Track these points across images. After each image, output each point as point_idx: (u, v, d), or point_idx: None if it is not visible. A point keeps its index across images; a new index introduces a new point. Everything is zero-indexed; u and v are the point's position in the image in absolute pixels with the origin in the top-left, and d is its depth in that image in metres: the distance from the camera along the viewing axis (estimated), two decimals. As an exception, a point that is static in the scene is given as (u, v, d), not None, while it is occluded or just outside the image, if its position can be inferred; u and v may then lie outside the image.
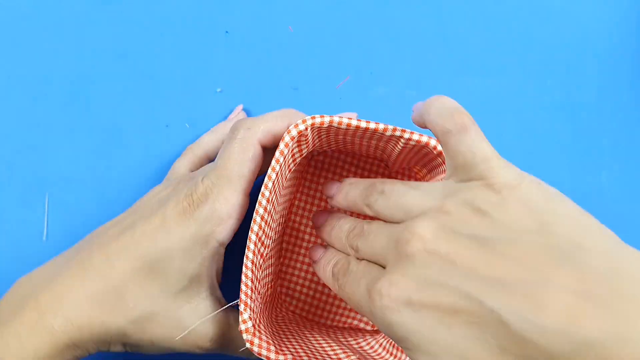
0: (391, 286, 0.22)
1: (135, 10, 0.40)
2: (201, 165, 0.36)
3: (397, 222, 0.25)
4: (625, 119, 0.38)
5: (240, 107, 0.39)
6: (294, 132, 0.28)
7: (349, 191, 0.29)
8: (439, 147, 0.30)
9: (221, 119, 0.39)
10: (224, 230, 0.30)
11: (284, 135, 0.28)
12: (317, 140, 0.31)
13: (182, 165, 0.36)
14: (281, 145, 0.28)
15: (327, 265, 0.29)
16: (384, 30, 0.39)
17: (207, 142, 0.37)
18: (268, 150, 0.31)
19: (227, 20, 0.39)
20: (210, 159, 0.37)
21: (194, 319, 0.30)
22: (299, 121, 0.28)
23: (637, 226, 0.38)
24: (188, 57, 0.39)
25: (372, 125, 0.29)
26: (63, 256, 0.32)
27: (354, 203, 0.28)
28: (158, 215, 0.30)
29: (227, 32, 0.39)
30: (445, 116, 0.25)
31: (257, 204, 0.28)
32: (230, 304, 0.31)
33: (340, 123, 0.29)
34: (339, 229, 0.29)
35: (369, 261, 0.25)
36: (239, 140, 0.30)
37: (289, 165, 0.31)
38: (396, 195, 0.25)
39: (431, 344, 0.21)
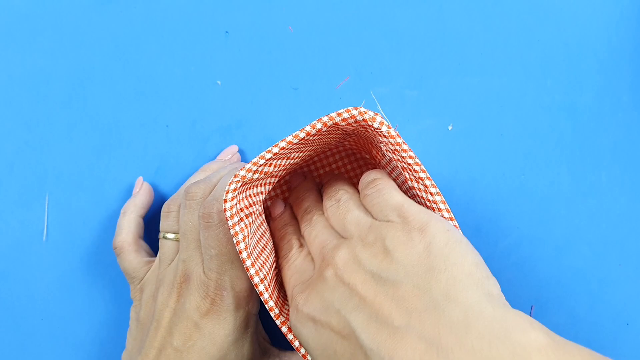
0: (306, 303, 0.26)
1: (135, 10, 0.40)
2: (144, 244, 0.37)
3: (333, 228, 0.30)
4: (625, 119, 0.38)
5: (235, 148, 0.38)
6: (228, 208, 0.28)
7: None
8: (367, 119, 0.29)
9: (221, 118, 0.39)
10: (254, 303, 0.32)
11: (225, 210, 0.28)
12: (273, 171, 0.32)
13: (134, 261, 0.35)
14: (229, 223, 0.28)
15: (281, 230, 0.33)
16: (384, 30, 0.39)
17: (129, 226, 0.36)
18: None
19: (227, 20, 0.39)
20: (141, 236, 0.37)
21: None
22: (223, 195, 0.28)
23: (638, 226, 0.38)
24: (188, 57, 0.39)
25: (301, 134, 0.28)
26: None
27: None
28: (190, 329, 0.31)
29: (227, 32, 0.39)
30: (365, 184, 0.30)
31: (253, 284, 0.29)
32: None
33: (263, 157, 0.28)
34: (302, 201, 0.34)
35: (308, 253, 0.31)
36: (216, 226, 0.30)
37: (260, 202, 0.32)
38: (344, 209, 0.30)
39: (321, 355, 0.25)
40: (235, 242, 0.28)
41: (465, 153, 0.39)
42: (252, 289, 0.31)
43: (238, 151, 0.38)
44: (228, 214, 0.28)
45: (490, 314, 0.22)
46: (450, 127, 0.39)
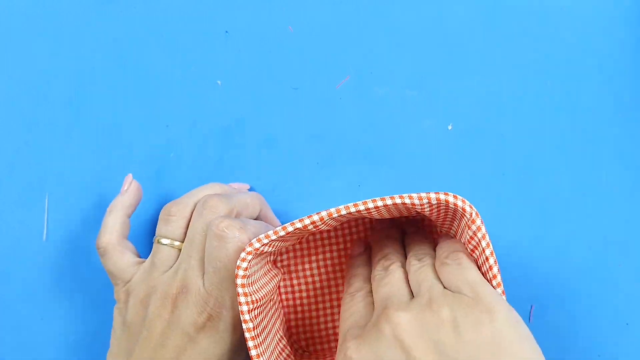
0: (356, 351, 0.26)
1: (135, 10, 0.40)
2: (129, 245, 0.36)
3: (408, 283, 0.29)
4: (625, 119, 0.38)
5: (247, 187, 0.38)
6: (242, 269, 0.28)
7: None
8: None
9: (221, 118, 0.39)
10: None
11: (237, 273, 0.28)
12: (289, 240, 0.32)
13: (119, 263, 0.34)
14: (238, 282, 0.28)
15: (356, 269, 0.33)
16: (384, 30, 0.39)
17: (114, 226, 0.35)
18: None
19: (227, 20, 0.39)
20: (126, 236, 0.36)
21: None
22: (243, 254, 0.28)
23: (638, 226, 0.38)
24: (188, 57, 0.39)
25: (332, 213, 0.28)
26: None
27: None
28: (184, 340, 0.30)
29: (227, 32, 0.39)
30: (447, 253, 0.30)
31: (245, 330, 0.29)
32: None
33: (287, 230, 0.28)
34: (383, 247, 0.33)
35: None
36: (232, 244, 0.30)
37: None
38: (425, 272, 0.29)
39: None
40: (240, 311, 0.28)
41: (465, 153, 0.38)
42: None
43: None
44: (239, 282, 0.28)
45: None
46: (450, 127, 0.39)
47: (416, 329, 0.25)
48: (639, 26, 0.39)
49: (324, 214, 0.28)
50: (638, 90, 0.39)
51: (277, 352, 0.32)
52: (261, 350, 0.29)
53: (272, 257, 0.35)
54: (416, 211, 0.31)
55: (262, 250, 0.29)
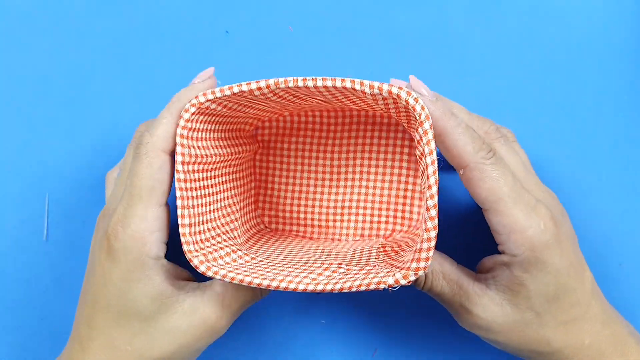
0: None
1: (135, 10, 0.40)
2: None
3: None
4: (625, 119, 0.38)
5: (211, 70, 0.34)
6: (184, 119, 0.29)
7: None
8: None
9: (221, 119, 0.39)
10: (152, 247, 0.30)
11: (178, 122, 0.29)
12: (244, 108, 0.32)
13: (110, 193, 0.35)
14: (177, 132, 0.29)
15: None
16: (384, 30, 0.39)
17: (140, 128, 0.34)
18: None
19: (227, 20, 0.39)
20: None
21: (187, 318, 0.31)
22: (187, 105, 0.29)
23: (638, 226, 0.38)
24: (188, 57, 0.39)
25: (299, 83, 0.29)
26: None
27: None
28: (96, 266, 0.30)
29: (227, 32, 0.39)
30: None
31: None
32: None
33: (244, 89, 0.28)
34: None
35: None
36: (142, 156, 0.30)
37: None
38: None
39: None
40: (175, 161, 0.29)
41: (465, 153, 0.38)
42: (151, 231, 0.30)
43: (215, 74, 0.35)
44: (179, 131, 0.29)
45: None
46: (450, 127, 0.39)
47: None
48: (639, 26, 0.39)
49: (271, 81, 0.28)
50: (638, 90, 0.39)
51: (220, 215, 0.33)
52: (189, 204, 0.29)
53: (248, 127, 0.36)
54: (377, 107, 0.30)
55: (209, 107, 0.29)
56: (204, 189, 0.31)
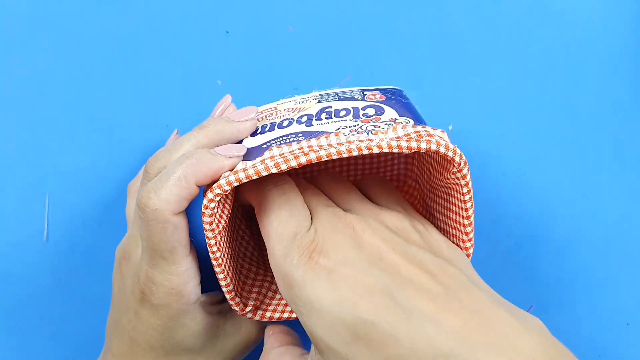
0: (321, 254, 0.24)
1: (135, 10, 0.40)
2: None
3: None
4: (625, 119, 0.38)
5: (229, 99, 0.33)
6: (211, 207, 0.26)
7: None
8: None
9: (221, 119, 0.39)
10: (190, 296, 0.30)
11: (206, 205, 0.26)
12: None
13: (132, 209, 0.34)
14: (206, 213, 0.26)
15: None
16: (384, 30, 0.39)
17: (153, 165, 0.31)
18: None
19: (227, 20, 0.39)
20: None
21: (232, 338, 0.33)
22: (205, 201, 0.26)
23: (638, 226, 0.38)
24: (188, 57, 0.39)
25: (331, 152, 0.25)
26: None
27: None
28: (131, 311, 0.30)
29: (227, 32, 0.39)
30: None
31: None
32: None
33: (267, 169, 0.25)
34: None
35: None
36: (152, 223, 0.27)
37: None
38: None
39: (334, 308, 0.23)
40: (206, 236, 0.27)
41: (466, 153, 0.38)
42: (185, 283, 0.29)
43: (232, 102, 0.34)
44: (207, 227, 0.27)
45: None
46: (450, 127, 0.39)
47: (376, 224, 0.26)
48: (639, 26, 0.39)
49: (312, 155, 0.25)
50: (638, 90, 0.39)
51: (248, 265, 0.33)
52: (227, 269, 0.29)
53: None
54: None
55: (226, 191, 0.26)
56: (231, 249, 0.31)
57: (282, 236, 0.25)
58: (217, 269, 0.28)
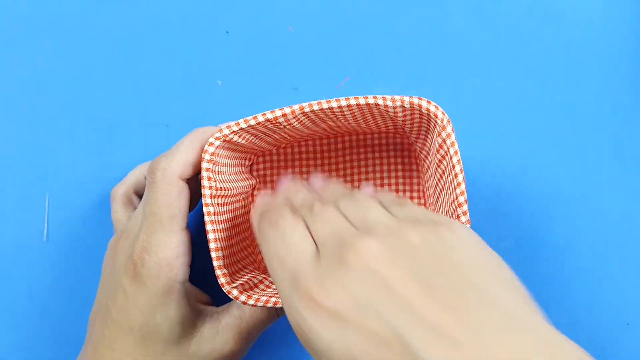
0: (326, 294, 0.21)
1: (135, 10, 0.40)
2: (136, 200, 0.36)
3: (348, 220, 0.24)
4: (625, 119, 0.38)
5: None
6: (209, 153, 0.29)
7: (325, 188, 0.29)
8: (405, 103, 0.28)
9: (221, 118, 0.39)
10: (179, 272, 0.30)
11: (203, 157, 0.29)
12: (261, 139, 0.32)
13: (119, 212, 0.35)
14: (203, 166, 0.29)
15: (268, 205, 0.27)
16: (384, 30, 0.39)
17: (131, 178, 0.36)
18: (193, 178, 0.31)
19: (227, 20, 0.39)
20: (140, 192, 0.36)
21: (208, 344, 0.32)
22: (211, 138, 0.29)
23: (638, 226, 0.38)
24: (188, 57, 0.39)
25: (314, 107, 0.29)
26: None
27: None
28: (119, 290, 0.30)
29: (227, 32, 0.39)
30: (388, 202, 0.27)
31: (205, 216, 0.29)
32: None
33: (267, 118, 0.29)
34: (293, 195, 0.28)
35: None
36: (159, 183, 0.30)
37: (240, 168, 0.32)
38: (364, 205, 0.25)
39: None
40: (201, 185, 0.29)
41: (465, 153, 0.38)
42: (177, 256, 0.30)
43: None
44: (204, 165, 0.29)
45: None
46: (450, 127, 0.39)
47: (388, 256, 0.21)
48: (639, 26, 0.39)
49: (295, 107, 0.29)
50: (638, 90, 0.39)
51: (245, 245, 0.33)
52: (220, 237, 0.30)
53: (247, 162, 0.36)
54: (393, 122, 0.31)
55: (232, 139, 0.30)
56: (229, 221, 0.32)
57: (282, 280, 0.24)
58: (208, 227, 0.29)
